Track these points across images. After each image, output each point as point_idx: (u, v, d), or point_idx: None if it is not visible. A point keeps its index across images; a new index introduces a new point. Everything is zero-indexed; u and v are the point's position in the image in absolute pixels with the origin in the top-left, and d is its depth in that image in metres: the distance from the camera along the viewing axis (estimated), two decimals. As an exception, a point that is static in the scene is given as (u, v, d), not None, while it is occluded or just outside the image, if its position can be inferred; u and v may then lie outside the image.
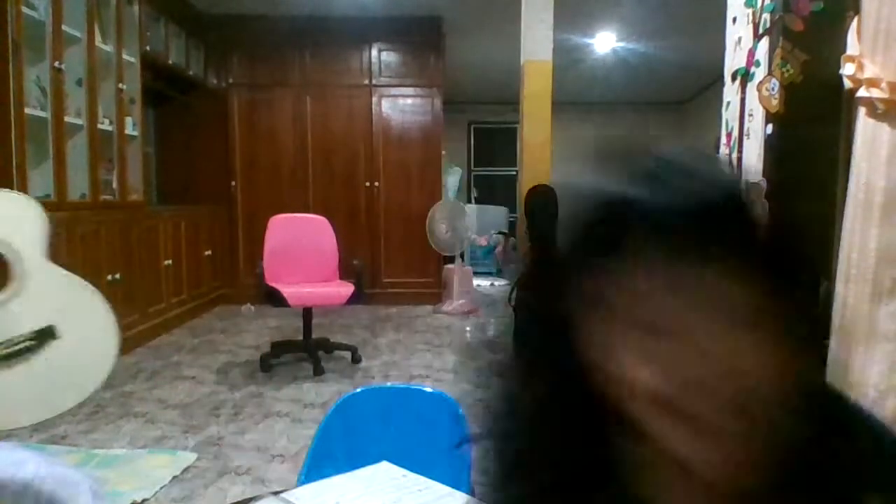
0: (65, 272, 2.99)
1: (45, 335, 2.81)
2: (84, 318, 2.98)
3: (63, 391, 2.92)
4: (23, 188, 3.28)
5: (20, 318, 2.76)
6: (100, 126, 4.01)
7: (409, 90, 6.23)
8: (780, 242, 0.48)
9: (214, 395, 3.37)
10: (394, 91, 6.22)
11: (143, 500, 2.20)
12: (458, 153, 9.95)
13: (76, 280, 3.02)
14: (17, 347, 2.74)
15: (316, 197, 6.06)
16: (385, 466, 1.02)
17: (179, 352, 4.24)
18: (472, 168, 10.46)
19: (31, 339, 2.78)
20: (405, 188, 6.10)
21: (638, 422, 0.45)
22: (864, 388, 1.25)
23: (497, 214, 9.29)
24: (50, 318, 2.83)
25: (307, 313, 4.01)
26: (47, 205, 3.47)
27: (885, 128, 1.20)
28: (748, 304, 0.44)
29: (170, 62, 5.21)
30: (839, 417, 0.50)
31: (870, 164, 1.21)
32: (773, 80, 1.29)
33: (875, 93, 1.19)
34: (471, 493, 1.27)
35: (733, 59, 1.45)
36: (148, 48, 4.74)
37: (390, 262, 6.20)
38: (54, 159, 3.56)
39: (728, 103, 1.48)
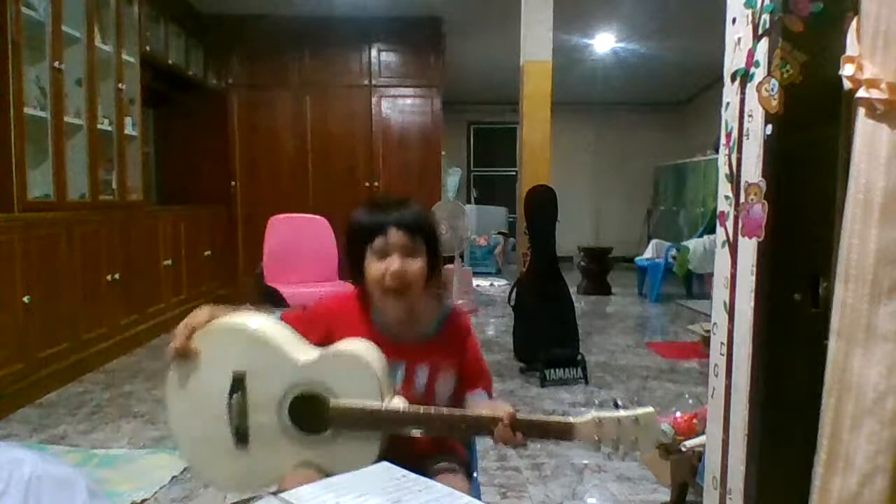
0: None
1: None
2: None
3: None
4: (22, 188, 3.27)
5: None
6: (99, 126, 4.01)
7: (409, 90, 6.23)
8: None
9: (214, 395, 3.36)
10: (393, 91, 6.22)
11: (143, 501, 2.20)
12: (457, 153, 9.94)
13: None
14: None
15: (316, 197, 6.06)
16: (385, 466, 1.02)
17: (179, 352, 4.23)
18: (472, 168, 10.45)
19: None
20: (405, 188, 6.09)
21: None
22: (864, 389, 1.25)
23: (497, 215, 9.28)
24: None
25: (307, 313, 4.00)
26: (47, 205, 3.49)
27: (884, 128, 1.20)
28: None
29: (169, 62, 5.21)
30: None
31: (869, 165, 1.21)
32: (773, 80, 1.29)
33: (874, 93, 1.19)
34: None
35: (733, 60, 1.45)
36: (147, 48, 4.74)
37: (390, 263, 6.18)
38: (54, 159, 3.55)
39: (727, 104, 1.48)
